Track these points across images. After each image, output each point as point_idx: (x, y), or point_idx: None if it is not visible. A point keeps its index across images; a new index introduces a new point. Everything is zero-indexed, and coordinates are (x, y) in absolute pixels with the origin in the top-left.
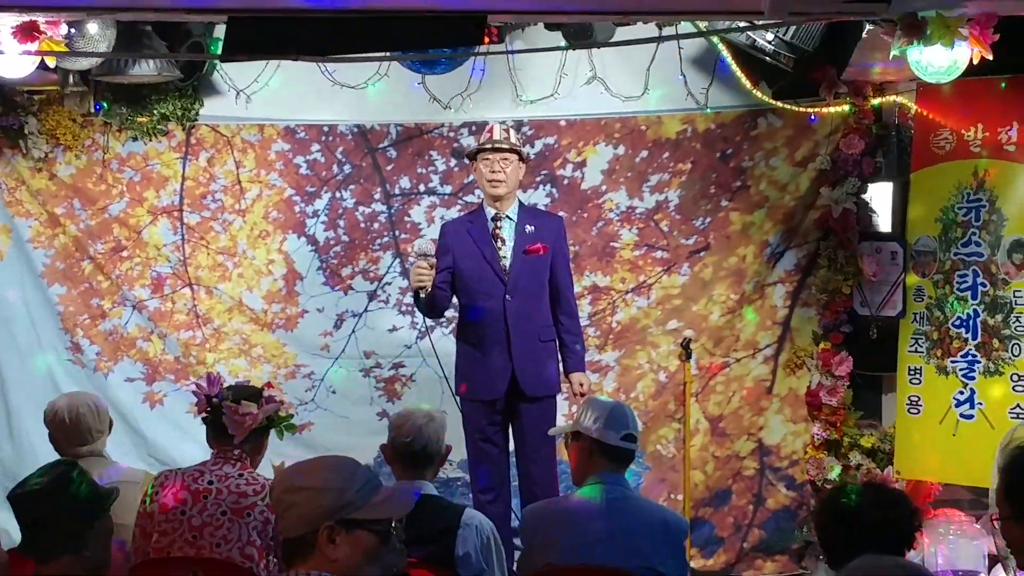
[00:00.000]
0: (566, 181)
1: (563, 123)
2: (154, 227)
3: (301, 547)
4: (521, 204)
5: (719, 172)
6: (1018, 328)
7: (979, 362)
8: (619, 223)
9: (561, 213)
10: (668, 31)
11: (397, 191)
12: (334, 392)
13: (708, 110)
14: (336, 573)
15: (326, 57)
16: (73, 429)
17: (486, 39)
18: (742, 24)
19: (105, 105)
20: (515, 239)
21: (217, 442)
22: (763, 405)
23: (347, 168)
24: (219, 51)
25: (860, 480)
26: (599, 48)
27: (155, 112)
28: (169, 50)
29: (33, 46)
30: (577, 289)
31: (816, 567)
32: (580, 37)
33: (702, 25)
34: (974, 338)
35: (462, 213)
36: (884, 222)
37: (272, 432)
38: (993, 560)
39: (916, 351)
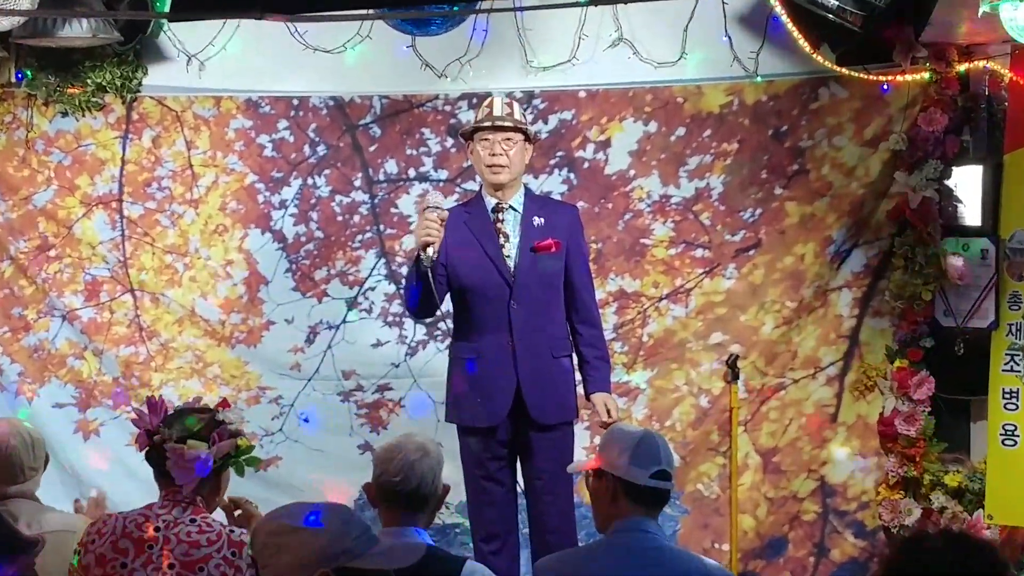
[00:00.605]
0: (586, 165)
1: (582, 94)
2: (88, 221)
3: None
4: (528, 192)
5: (772, 153)
6: None
7: None
8: (651, 215)
9: (580, 203)
10: None
11: (382, 177)
12: (306, 420)
13: (758, 79)
14: None
15: (296, 16)
16: (1, 464)
17: None
18: None
19: (28, 74)
20: (521, 234)
21: (164, 481)
22: (826, 436)
23: (321, 149)
24: (167, 8)
25: (943, 527)
26: (626, 3)
27: (89, 82)
28: (106, 7)
29: None
30: (600, 295)
31: None
32: None
33: None
34: None
35: (458, 203)
36: (972, 214)
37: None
38: None
39: (1012, 370)
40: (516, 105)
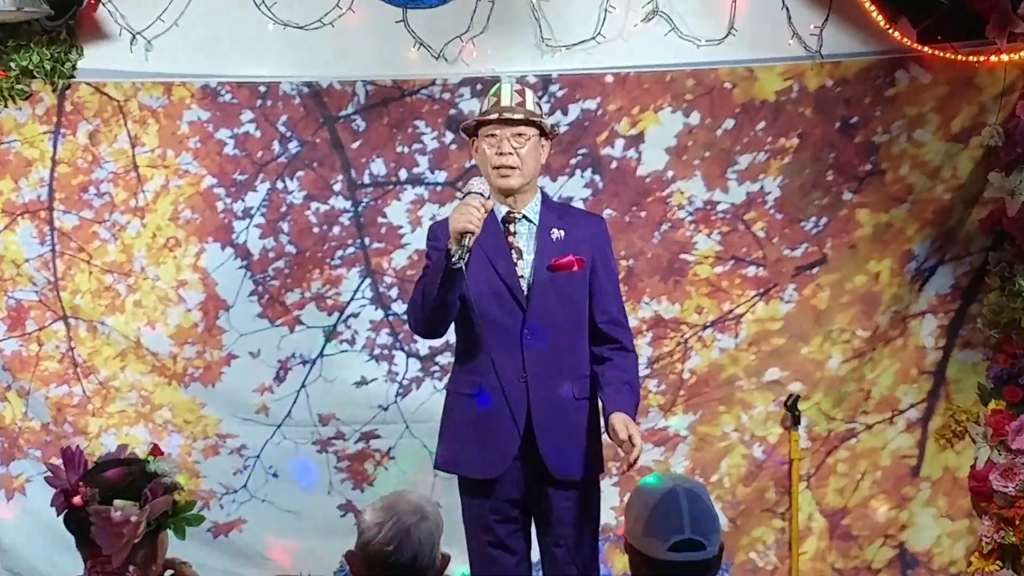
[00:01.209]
0: (614, 164)
1: (609, 79)
2: (11, 234)
3: None
4: (545, 199)
5: (839, 150)
6: None
7: None
8: (693, 226)
9: (607, 211)
10: None
11: (367, 180)
12: (275, 476)
13: (822, 59)
14: None
15: None
16: None
17: None
18: None
19: None
20: (537, 249)
21: (88, 551)
22: (906, 493)
23: (293, 146)
24: None
25: None
26: None
27: (12, 66)
28: None
29: None
30: (631, 323)
31: None
32: None
33: None
34: None
35: None
36: None
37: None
38: None
39: None
40: (529, 93)
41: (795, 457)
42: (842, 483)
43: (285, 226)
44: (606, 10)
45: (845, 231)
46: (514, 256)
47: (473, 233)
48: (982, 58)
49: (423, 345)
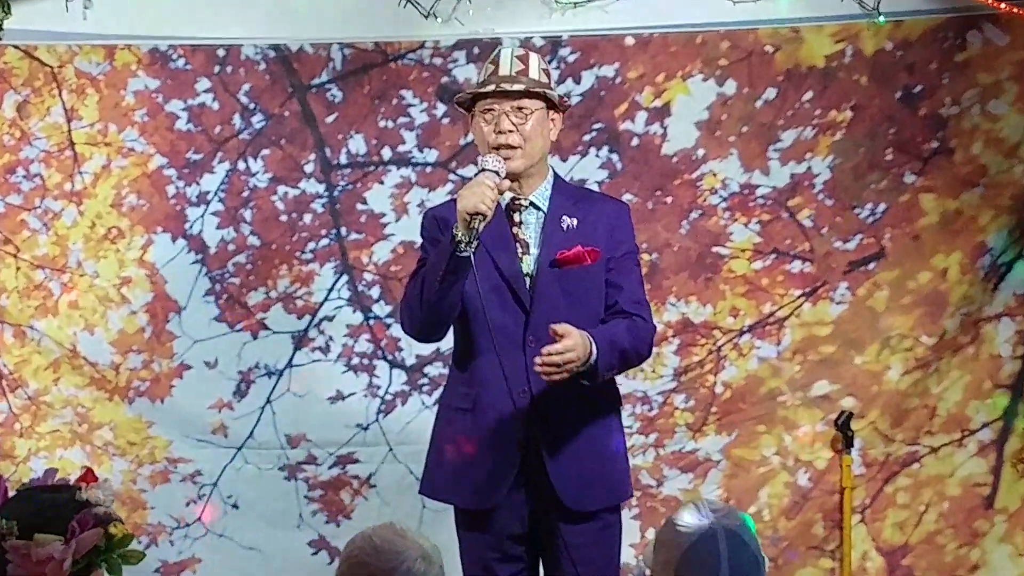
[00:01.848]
0: (635, 141)
1: (629, 41)
2: None
3: None
4: (559, 182)
5: (900, 125)
6: None
7: None
8: (727, 214)
9: (626, 196)
10: None
11: (344, 159)
12: (236, 507)
13: (881, 18)
14: None
15: None
16: None
17: None
18: None
19: None
20: (543, 241)
21: None
22: (978, 528)
23: (258, 120)
24: None
25: None
26: None
27: None
28: None
29: None
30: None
31: None
32: None
33: None
34: None
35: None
36: None
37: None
38: None
39: None
40: (534, 58)
41: (847, 485)
42: (902, 516)
43: (247, 214)
44: None
45: (907, 220)
46: (519, 250)
47: (485, 216)
48: None
49: (409, 354)
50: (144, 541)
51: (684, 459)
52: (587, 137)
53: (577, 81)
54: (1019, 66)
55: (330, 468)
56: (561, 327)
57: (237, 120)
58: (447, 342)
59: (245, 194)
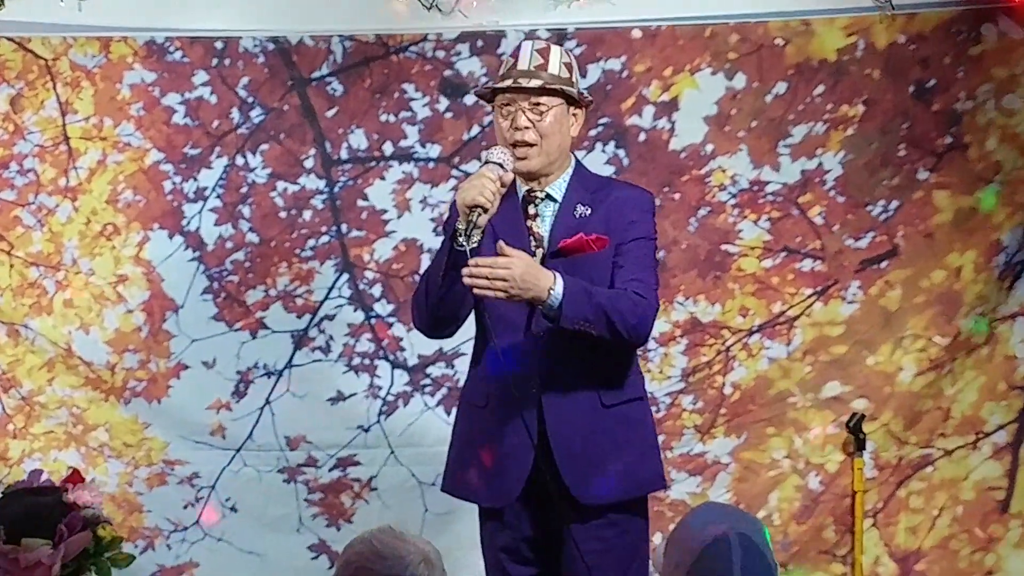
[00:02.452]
0: (642, 136)
1: (636, 33)
2: None
3: None
4: (579, 171)
5: (914, 120)
6: None
7: None
8: (737, 211)
9: None
10: None
11: (344, 155)
12: (234, 510)
13: (894, 10)
14: None
15: None
16: None
17: None
18: None
19: None
20: (552, 231)
21: None
22: (993, 533)
23: (257, 114)
24: None
25: None
26: None
27: None
28: None
29: None
30: (663, 327)
31: None
32: None
33: None
34: None
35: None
36: None
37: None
38: None
39: None
40: (556, 52)
41: (859, 489)
42: (916, 520)
43: (246, 210)
44: None
45: (920, 217)
46: (532, 243)
47: (484, 209)
48: None
49: (411, 354)
50: (141, 545)
51: (692, 462)
52: (593, 132)
53: (583, 75)
54: None
55: (330, 470)
56: (507, 248)
57: (235, 114)
58: (448, 342)
59: (244, 190)
